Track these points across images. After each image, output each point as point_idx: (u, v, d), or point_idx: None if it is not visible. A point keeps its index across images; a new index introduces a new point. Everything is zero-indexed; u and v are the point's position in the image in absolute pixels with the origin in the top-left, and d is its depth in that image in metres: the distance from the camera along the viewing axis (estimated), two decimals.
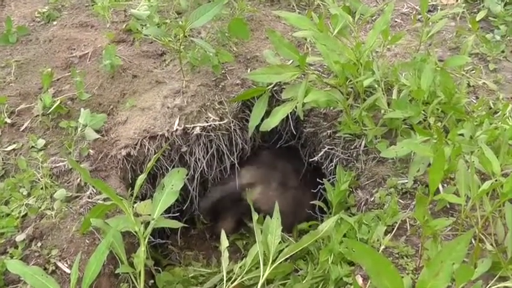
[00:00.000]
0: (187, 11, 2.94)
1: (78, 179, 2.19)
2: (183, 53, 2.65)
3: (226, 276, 2.11)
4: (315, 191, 2.54)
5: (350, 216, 2.17)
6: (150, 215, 2.05)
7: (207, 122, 2.50)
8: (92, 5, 3.13)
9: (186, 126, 2.46)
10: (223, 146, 2.62)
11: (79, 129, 2.35)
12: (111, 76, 2.63)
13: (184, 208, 2.76)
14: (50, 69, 2.64)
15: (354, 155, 2.41)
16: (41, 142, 2.33)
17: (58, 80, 2.65)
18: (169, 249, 2.82)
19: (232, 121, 2.59)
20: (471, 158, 1.85)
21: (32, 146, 2.32)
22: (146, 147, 2.38)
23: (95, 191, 2.17)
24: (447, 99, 2.24)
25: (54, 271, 1.89)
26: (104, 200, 2.11)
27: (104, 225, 1.97)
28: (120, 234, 1.97)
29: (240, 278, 2.11)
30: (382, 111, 2.34)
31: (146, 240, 1.95)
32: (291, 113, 2.47)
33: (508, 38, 2.88)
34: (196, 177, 2.65)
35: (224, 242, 2.20)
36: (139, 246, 1.95)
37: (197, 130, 2.47)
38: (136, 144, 2.37)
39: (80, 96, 2.50)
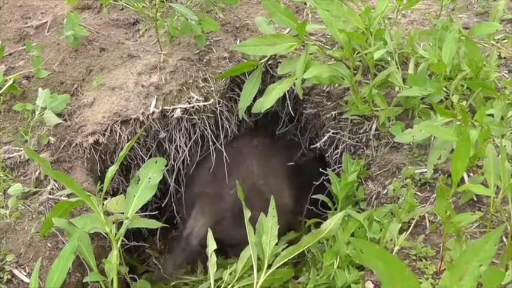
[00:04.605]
0: None
1: (37, 172, 2.18)
2: (160, 22, 2.63)
3: (214, 285, 2.11)
4: (317, 183, 2.55)
5: (359, 212, 2.18)
6: (123, 213, 2.05)
7: (190, 103, 2.50)
8: None
9: (165, 108, 2.45)
10: (209, 131, 2.61)
11: (37, 112, 2.33)
12: (74, 50, 2.61)
13: (163, 205, 2.76)
14: (0, 42, 2.62)
15: (363, 140, 2.41)
16: None
17: (10, 54, 2.64)
18: (147, 253, 2.83)
19: (219, 102, 2.59)
20: (502, 142, 1.86)
21: None
22: (117, 133, 2.37)
23: (57, 185, 2.16)
24: (473, 73, 2.24)
25: (10, 280, 1.88)
26: (68, 196, 2.11)
27: (69, 226, 1.96)
28: (88, 237, 1.96)
29: (230, 286, 2.11)
30: (397, 89, 2.34)
31: (119, 243, 1.95)
32: (288, 91, 2.47)
33: None
34: (177, 167, 2.65)
35: (211, 244, 2.20)
36: (111, 250, 1.95)
37: (178, 113, 2.47)
38: (105, 130, 2.36)
39: (38, 74, 2.48)
